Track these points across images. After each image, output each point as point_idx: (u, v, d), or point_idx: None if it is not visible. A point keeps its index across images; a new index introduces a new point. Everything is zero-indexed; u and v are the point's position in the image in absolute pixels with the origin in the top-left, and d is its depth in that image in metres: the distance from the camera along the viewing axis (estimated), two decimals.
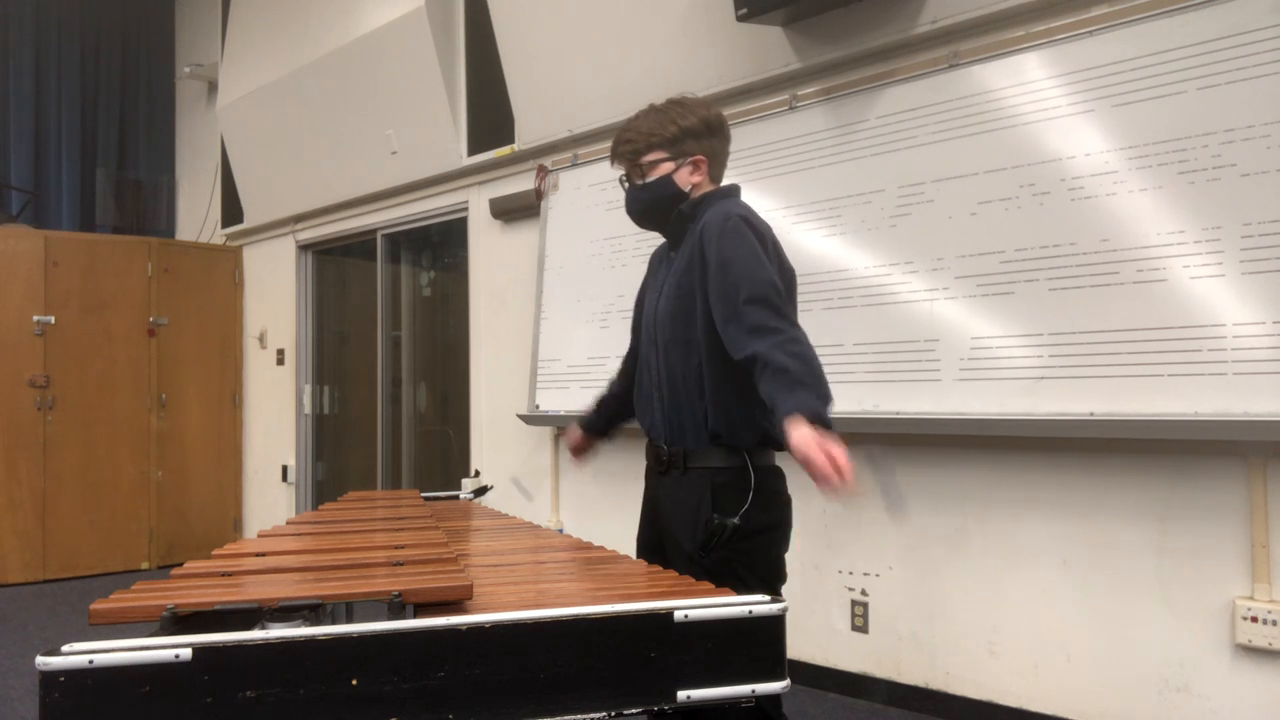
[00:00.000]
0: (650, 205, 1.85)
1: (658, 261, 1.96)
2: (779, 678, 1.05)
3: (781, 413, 1.47)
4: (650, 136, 1.82)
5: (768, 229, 1.76)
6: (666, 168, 1.82)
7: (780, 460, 1.81)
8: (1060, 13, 2.72)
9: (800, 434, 1.42)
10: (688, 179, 1.83)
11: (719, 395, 1.72)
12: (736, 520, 1.67)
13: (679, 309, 1.77)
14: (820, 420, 1.44)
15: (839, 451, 1.39)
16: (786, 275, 1.77)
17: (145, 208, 6.85)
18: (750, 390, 1.63)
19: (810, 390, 1.49)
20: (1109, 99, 2.58)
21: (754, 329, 1.59)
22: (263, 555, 1.43)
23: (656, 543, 1.83)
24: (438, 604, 1.11)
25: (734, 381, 1.70)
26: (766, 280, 1.63)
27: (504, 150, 4.44)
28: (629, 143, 1.84)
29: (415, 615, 1.08)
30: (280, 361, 6.12)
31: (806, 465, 1.41)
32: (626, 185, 1.89)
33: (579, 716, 0.98)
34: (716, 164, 1.87)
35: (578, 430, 2.17)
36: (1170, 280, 2.44)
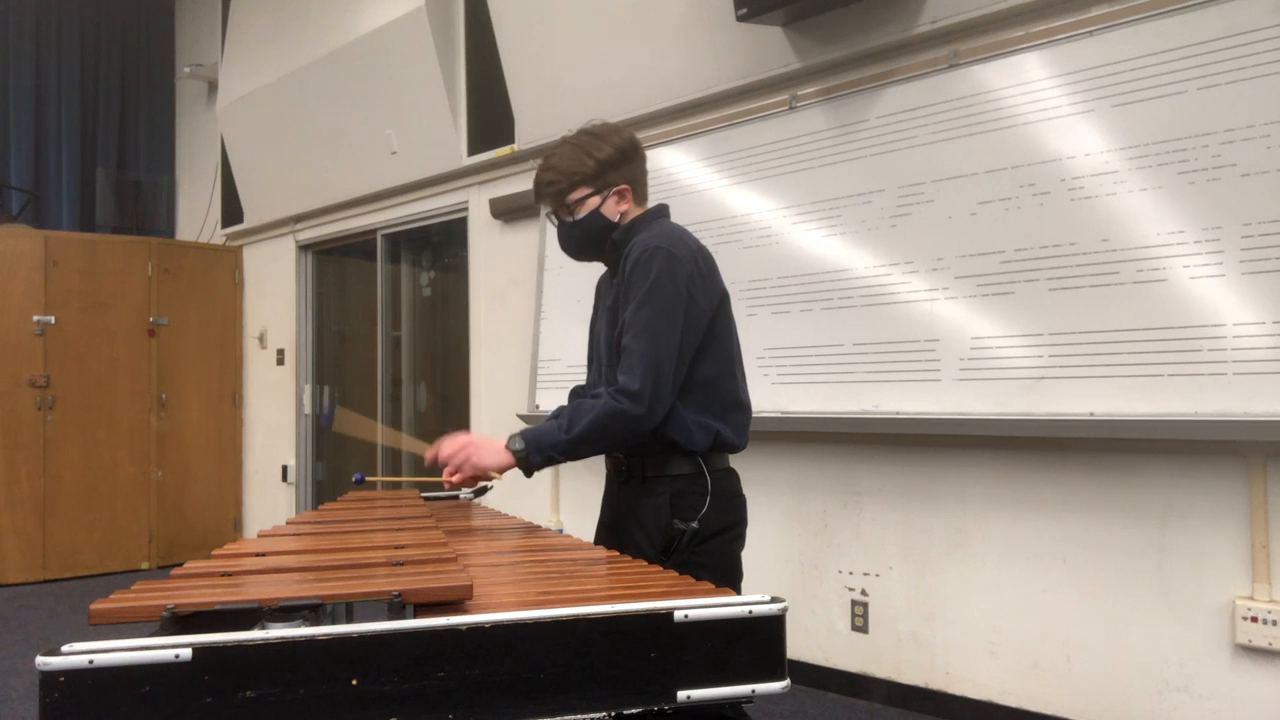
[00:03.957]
0: (585, 241, 1.88)
1: (604, 288, 1.99)
2: (779, 678, 1.05)
3: (533, 428, 1.72)
4: (572, 175, 1.83)
5: (696, 253, 1.78)
6: (593, 202, 1.84)
7: (733, 461, 1.88)
8: (1060, 13, 2.72)
9: (491, 445, 1.73)
10: (615, 209, 1.86)
11: (671, 408, 1.76)
12: (695, 524, 1.74)
13: (617, 338, 1.82)
14: (519, 455, 1.71)
15: (467, 465, 1.74)
16: (715, 295, 1.80)
17: (145, 208, 6.85)
18: (700, 394, 1.76)
19: (556, 438, 1.69)
20: (1109, 99, 2.58)
21: (624, 371, 1.70)
22: (263, 555, 1.43)
23: (617, 549, 1.86)
24: (438, 604, 1.11)
25: (684, 392, 1.76)
26: (661, 343, 1.70)
27: (504, 150, 4.44)
28: (552, 184, 1.85)
29: (415, 615, 1.07)
30: (280, 361, 6.12)
31: (445, 452, 1.75)
32: (555, 222, 1.91)
33: (579, 716, 0.98)
34: (639, 187, 1.89)
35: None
36: (1170, 280, 2.44)
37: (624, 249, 1.83)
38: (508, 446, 1.72)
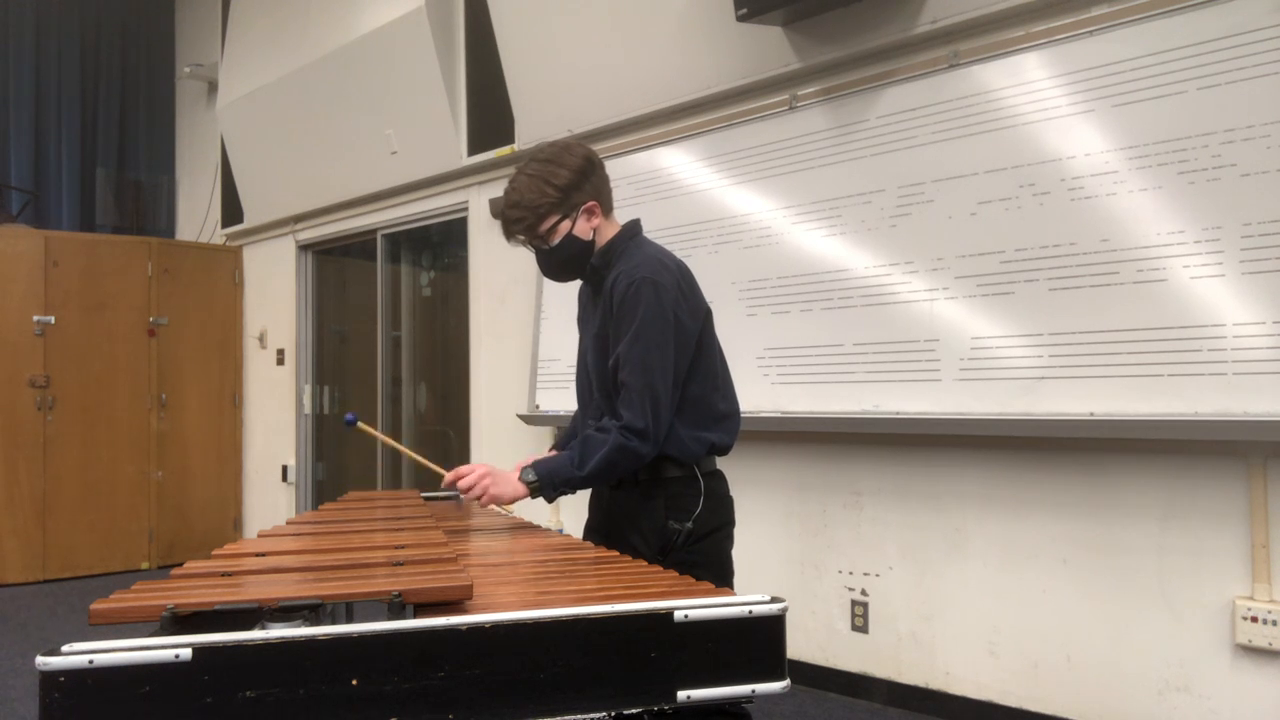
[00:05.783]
0: (564, 264, 1.91)
1: (587, 303, 2.01)
2: (779, 677, 1.05)
3: (546, 461, 1.80)
4: (538, 207, 1.84)
5: (678, 276, 1.83)
6: (565, 226, 1.85)
7: (732, 460, 1.93)
8: (1060, 13, 2.72)
9: (508, 477, 1.80)
10: (588, 227, 1.88)
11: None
12: (690, 524, 1.80)
13: (606, 361, 1.85)
14: (533, 487, 1.78)
15: (485, 496, 1.80)
16: (700, 314, 1.85)
17: (145, 208, 6.85)
18: (690, 411, 1.81)
19: (570, 474, 1.75)
20: (1109, 99, 2.58)
21: (626, 406, 1.75)
22: (263, 555, 1.43)
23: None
24: (438, 604, 1.11)
25: (677, 411, 1.81)
26: (657, 376, 1.76)
27: (504, 150, 4.44)
28: (519, 220, 1.86)
29: (415, 615, 1.08)
30: (280, 361, 6.12)
31: (465, 482, 1.82)
32: (531, 249, 1.93)
33: (579, 716, 0.98)
34: (605, 198, 1.91)
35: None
36: (1170, 280, 2.44)
37: (604, 272, 1.87)
38: (521, 479, 1.78)
